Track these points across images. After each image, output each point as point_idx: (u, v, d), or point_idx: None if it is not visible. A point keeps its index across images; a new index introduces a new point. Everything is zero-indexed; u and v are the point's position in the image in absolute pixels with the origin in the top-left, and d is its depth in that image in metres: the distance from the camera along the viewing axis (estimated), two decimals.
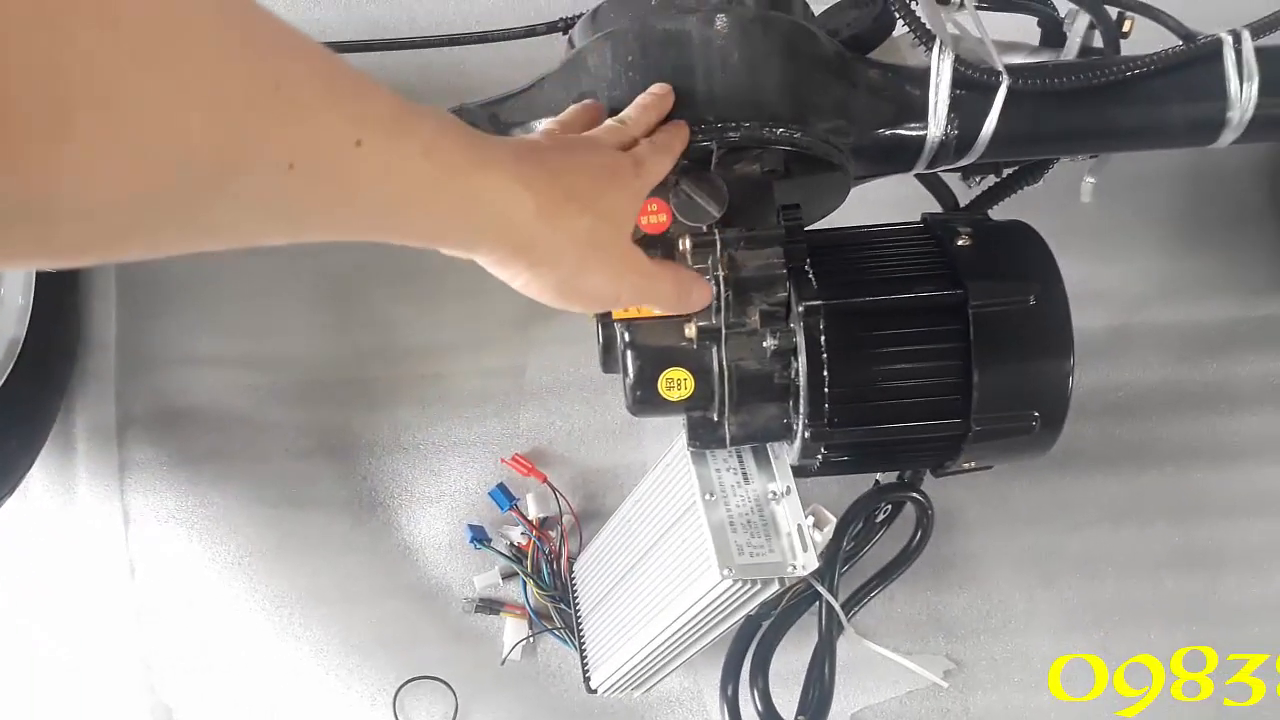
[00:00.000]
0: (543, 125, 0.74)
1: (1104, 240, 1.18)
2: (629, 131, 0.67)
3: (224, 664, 1.07)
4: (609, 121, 0.68)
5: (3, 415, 0.96)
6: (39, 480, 1.09)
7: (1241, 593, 1.10)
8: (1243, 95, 0.82)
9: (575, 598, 1.07)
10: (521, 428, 1.16)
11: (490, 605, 1.12)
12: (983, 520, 1.12)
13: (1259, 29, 0.84)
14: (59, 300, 1.07)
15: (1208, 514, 1.12)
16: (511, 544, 1.12)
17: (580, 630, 1.04)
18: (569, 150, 0.61)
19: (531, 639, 1.10)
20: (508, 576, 1.13)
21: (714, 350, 0.77)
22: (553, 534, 1.12)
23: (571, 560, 1.10)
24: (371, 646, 1.08)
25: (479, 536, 1.12)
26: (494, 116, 0.82)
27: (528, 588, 1.11)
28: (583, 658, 1.02)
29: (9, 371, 0.99)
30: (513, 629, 1.11)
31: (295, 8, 1.23)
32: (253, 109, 0.36)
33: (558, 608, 1.09)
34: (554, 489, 1.12)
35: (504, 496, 1.12)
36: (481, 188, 0.51)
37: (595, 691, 1.01)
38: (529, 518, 1.12)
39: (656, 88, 0.72)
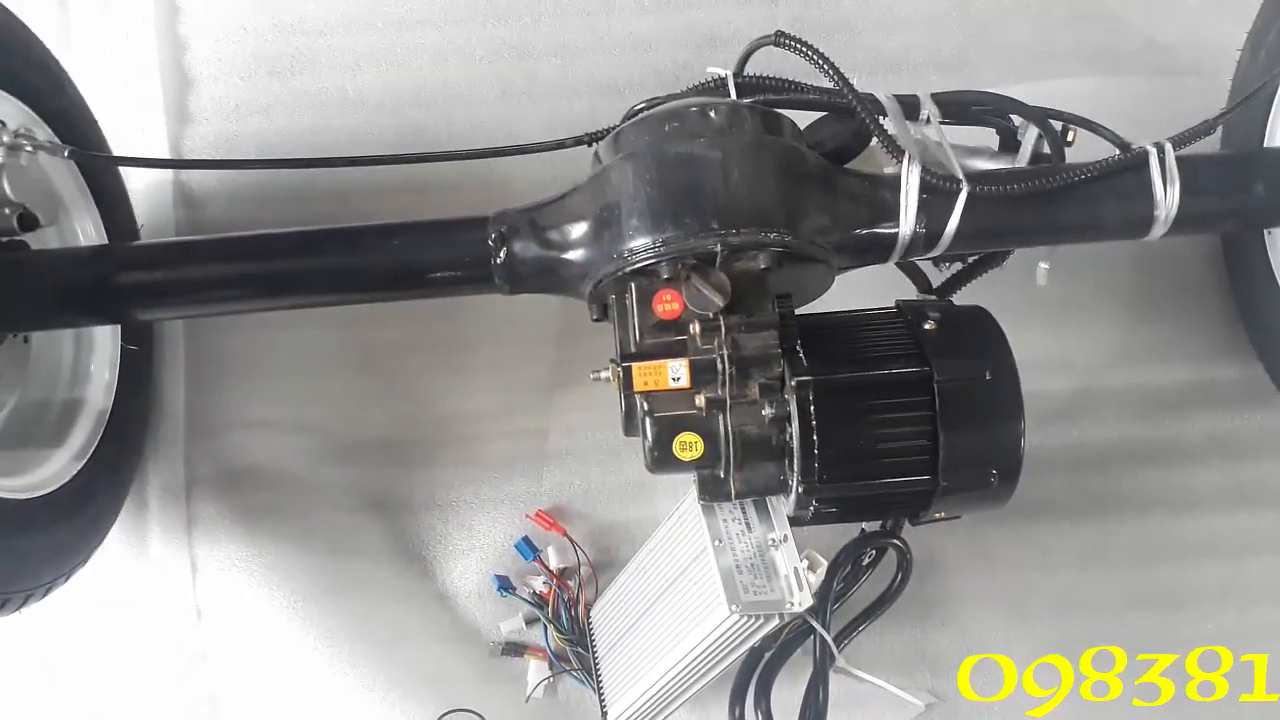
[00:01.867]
0: None
1: (1065, 314, 1.32)
2: None
3: (282, 696, 1.18)
4: None
5: (94, 478, 1.09)
6: (115, 535, 1.20)
7: (1199, 627, 1.22)
8: (1167, 197, 0.97)
9: (593, 640, 1.18)
10: (544, 486, 1.29)
11: (515, 648, 1.23)
12: (962, 564, 1.24)
13: (1179, 141, 0.99)
14: (137, 374, 1.21)
15: (1167, 557, 1.25)
16: (534, 592, 1.23)
17: (598, 669, 1.15)
18: None
19: (552, 679, 1.21)
20: (531, 622, 1.24)
21: (720, 418, 0.90)
22: (571, 583, 1.24)
23: (589, 607, 1.22)
24: (413, 681, 1.19)
25: (505, 585, 1.24)
26: (532, 222, 0.97)
27: (549, 632, 1.21)
28: (600, 694, 1.13)
29: (99, 439, 1.12)
30: (535, 670, 1.22)
31: (346, 113, 1.37)
32: None
33: (576, 651, 1.20)
34: (573, 542, 1.24)
35: (528, 548, 1.24)
36: None
37: None
38: (550, 568, 1.23)
39: None
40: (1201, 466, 1.28)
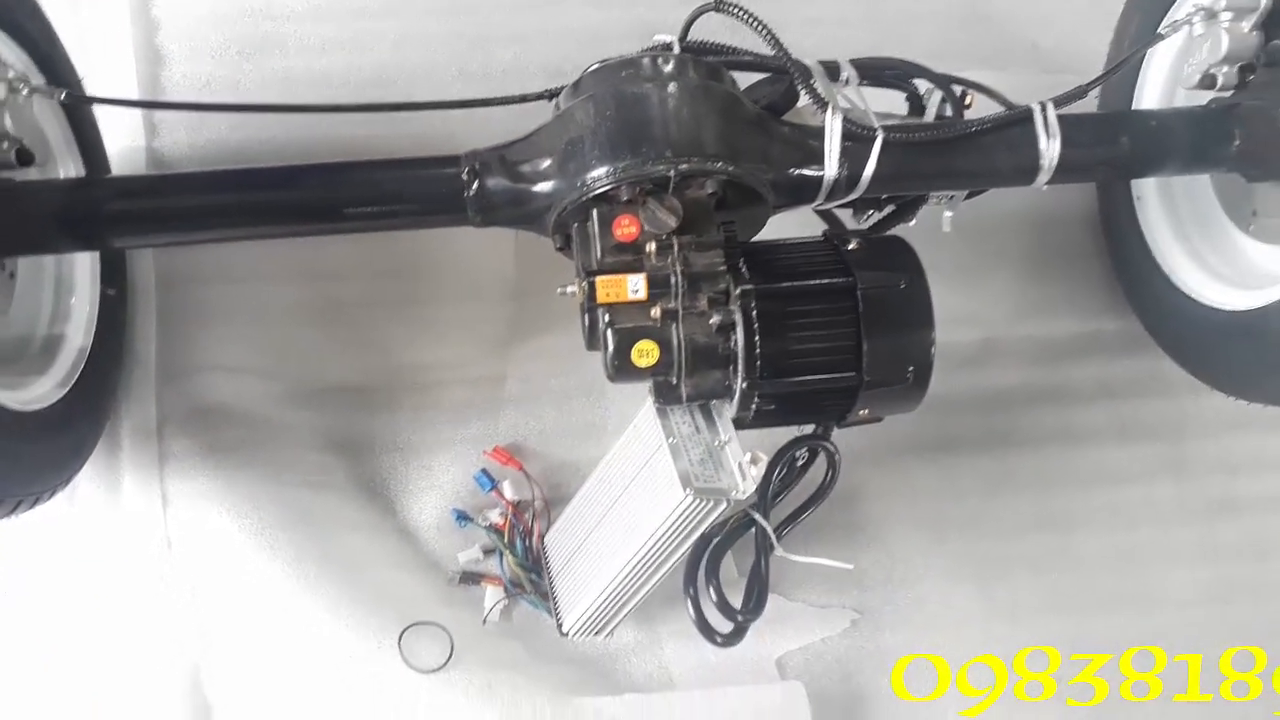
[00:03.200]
0: None
1: (970, 274, 1.48)
2: None
3: (249, 618, 1.23)
4: None
5: (74, 405, 1.14)
6: (87, 474, 1.25)
7: (1090, 544, 1.37)
8: (1049, 148, 1.13)
9: (547, 564, 1.27)
10: (500, 428, 1.38)
11: (472, 577, 1.31)
12: (885, 493, 1.38)
13: (1059, 101, 1.16)
14: (113, 317, 1.27)
15: (1061, 484, 1.40)
16: (491, 524, 1.32)
17: (553, 588, 1.24)
18: None
19: (507, 603, 1.29)
20: (488, 553, 1.32)
21: (673, 327, 1.02)
22: (526, 515, 1.33)
23: (542, 537, 1.31)
24: (376, 604, 1.25)
25: (463, 516, 1.32)
26: (502, 158, 1.08)
27: (504, 560, 1.30)
28: (555, 608, 1.22)
29: (80, 373, 1.17)
30: (492, 596, 1.30)
31: (312, 91, 1.46)
32: None
33: (530, 577, 1.28)
34: (528, 476, 1.34)
35: (486, 479, 1.33)
36: None
37: (566, 634, 1.20)
38: (507, 498, 1.32)
39: None
40: (1089, 407, 1.45)
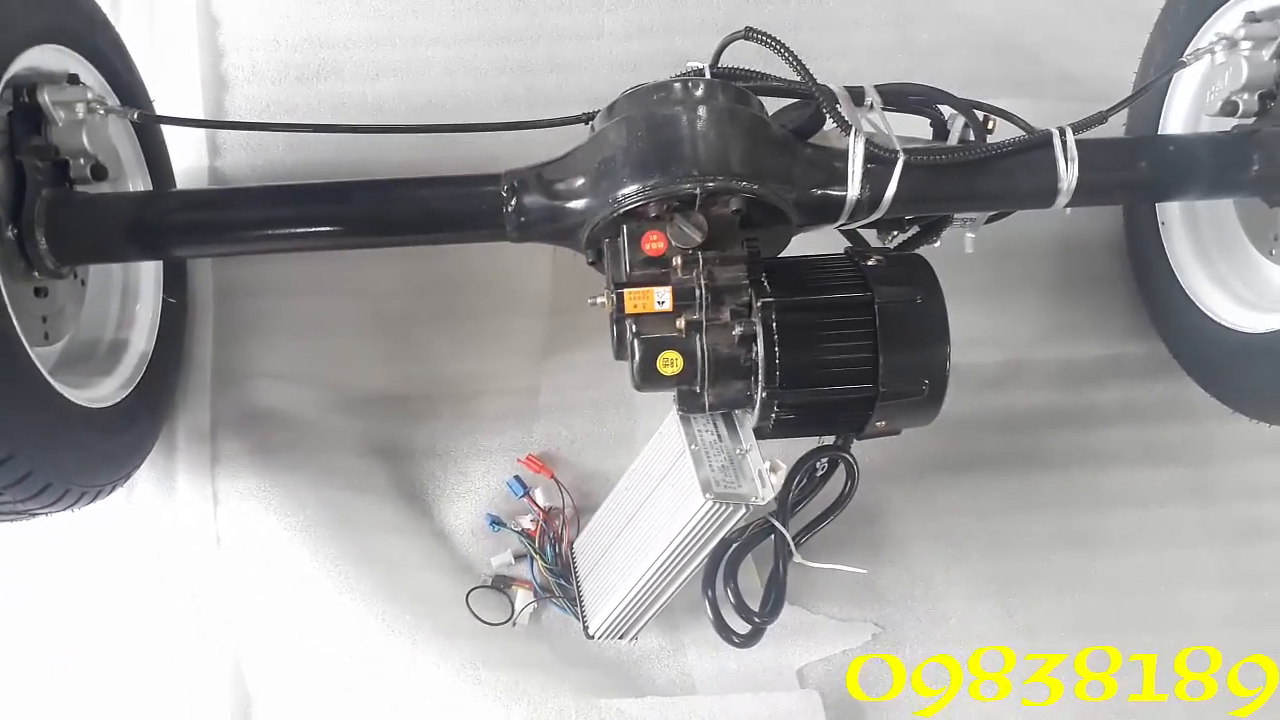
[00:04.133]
0: None
1: (996, 296, 1.51)
2: None
3: (290, 613, 1.29)
4: None
5: (137, 405, 1.22)
6: (143, 471, 1.32)
7: (1113, 564, 1.38)
8: (1068, 171, 1.16)
9: (575, 569, 1.31)
10: (534, 437, 1.43)
11: (503, 580, 1.36)
12: (908, 510, 1.40)
13: (1080, 126, 1.19)
14: (174, 324, 1.35)
15: (1085, 505, 1.42)
16: (522, 529, 1.37)
17: (580, 591, 1.28)
18: None
19: (537, 606, 1.34)
20: (519, 558, 1.37)
21: (697, 338, 1.06)
22: (557, 521, 1.37)
23: (571, 543, 1.35)
24: (411, 603, 1.30)
25: (496, 521, 1.37)
26: (539, 175, 1.15)
27: (535, 565, 1.34)
28: (582, 611, 1.26)
29: (142, 374, 1.25)
30: (522, 599, 1.35)
31: (365, 115, 1.54)
32: None
33: (559, 582, 1.33)
34: (560, 484, 1.39)
35: (519, 485, 1.39)
36: None
37: (593, 637, 1.24)
38: (539, 504, 1.37)
39: None
40: (1114, 429, 1.46)
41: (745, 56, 1.22)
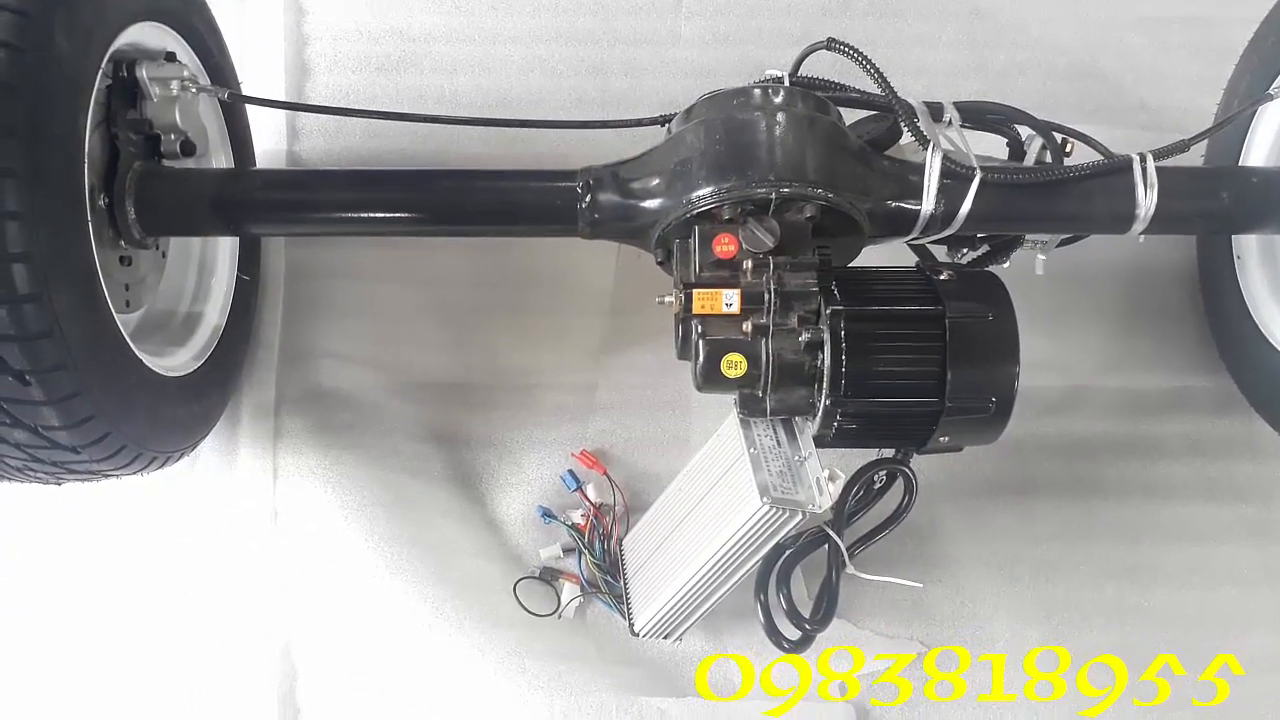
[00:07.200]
0: None
1: (1061, 324, 1.50)
2: None
3: (340, 591, 1.31)
4: None
5: (208, 375, 1.25)
6: (208, 442, 1.36)
7: (1169, 599, 1.36)
8: (1147, 198, 1.15)
9: (623, 566, 1.32)
10: (589, 433, 1.45)
11: (551, 573, 1.37)
12: (961, 531, 1.39)
13: (1161, 153, 1.18)
14: (246, 301, 1.38)
15: (1142, 537, 1.39)
16: (573, 524, 1.38)
17: (626, 588, 1.28)
18: None
19: (582, 600, 1.34)
20: (568, 552, 1.38)
21: (763, 342, 1.07)
22: (607, 518, 1.38)
23: (620, 541, 1.36)
24: (459, 589, 1.32)
25: (548, 513, 1.39)
26: (615, 174, 1.16)
27: (583, 560, 1.35)
28: (628, 609, 1.26)
29: (215, 346, 1.28)
30: (569, 592, 1.36)
31: (441, 108, 1.57)
32: None
33: (606, 579, 1.33)
34: (612, 481, 1.39)
35: (572, 479, 1.40)
36: None
37: (638, 634, 1.25)
38: (590, 500, 1.38)
39: None
40: (1176, 462, 1.44)
41: (821, 69, 1.22)
